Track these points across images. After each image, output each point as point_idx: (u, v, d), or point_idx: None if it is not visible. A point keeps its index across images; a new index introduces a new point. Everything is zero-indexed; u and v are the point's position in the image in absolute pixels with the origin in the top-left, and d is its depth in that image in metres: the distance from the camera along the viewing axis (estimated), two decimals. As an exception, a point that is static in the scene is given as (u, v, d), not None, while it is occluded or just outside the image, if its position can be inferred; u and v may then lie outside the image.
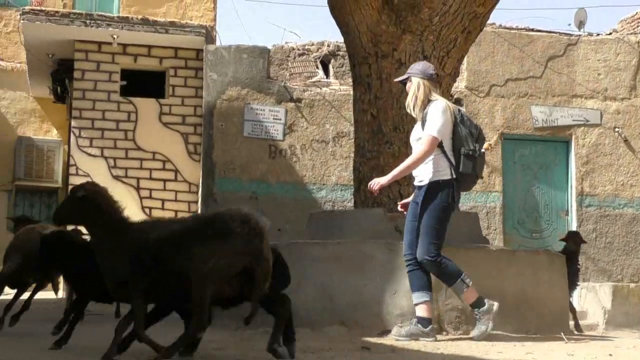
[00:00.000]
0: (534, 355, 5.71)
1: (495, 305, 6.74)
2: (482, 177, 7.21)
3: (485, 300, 6.74)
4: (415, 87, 6.90)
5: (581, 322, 11.06)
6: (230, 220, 4.83)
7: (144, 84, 15.89)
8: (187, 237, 4.86)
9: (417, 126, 6.93)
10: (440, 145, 6.76)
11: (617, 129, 15.26)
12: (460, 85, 14.85)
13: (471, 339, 6.76)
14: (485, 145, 6.87)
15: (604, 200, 15.15)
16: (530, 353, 5.84)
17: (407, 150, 8.31)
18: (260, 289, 4.90)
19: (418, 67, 7.08)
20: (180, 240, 4.87)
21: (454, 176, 6.74)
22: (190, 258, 4.74)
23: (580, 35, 15.87)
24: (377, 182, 6.89)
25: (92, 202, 5.21)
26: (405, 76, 7.09)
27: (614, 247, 15.10)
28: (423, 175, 6.88)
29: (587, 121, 15.27)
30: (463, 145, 6.75)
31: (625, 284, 14.00)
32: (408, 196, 8.29)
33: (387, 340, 6.73)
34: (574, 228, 14.73)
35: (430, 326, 6.71)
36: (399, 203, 7.26)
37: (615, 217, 15.16)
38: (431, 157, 6.78)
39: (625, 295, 13.17)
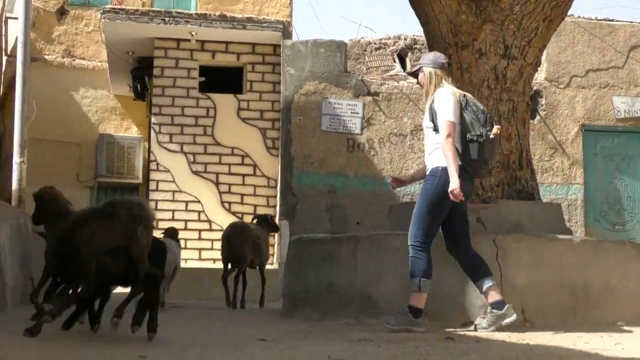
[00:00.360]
0: (623, 346, 5.63)
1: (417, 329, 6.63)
2: (489, 164, 7.08)
3: (419, 320, 6.72)
4: (427, 76, 7.00)
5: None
6: (117, 206, 5.65)
7: (222, 80, 16.04)
8: (83, 219, 5.73)
9: (426, 114, 7.02)
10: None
11: None
12: (539, 76, 14.68)
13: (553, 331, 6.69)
14: (495, 129, 6.79)
15: (689, 192, 14.85)
16: (619, 344, 5.75)
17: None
18: (136, 265, 5.58)
19: (429, 57, 7.18)
20: (79, 222, 5.71)
21: (460, 163, 6.68)
22: (81, 235, 5.54)
23: (663, 24, 15.58)
24: (455, 188, 6.59)
25: (50, 203, 6.46)
26: (417, 67, 7.19)
27: (699, 240, 14.79)
28: (431, 161, 6.94)
29: (673, 112, 15.00)
30: (469, 130, 6.74)
31: None
32: (489, 187, 8.25)
33: (471, 331, 6.70)
34: (659, 221, 14.47)
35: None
36: (391, 176, 7.22)
37: (700, 209, 14.86)
38: (438, 144, 6.78)
39: None
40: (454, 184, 6.57)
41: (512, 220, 7.88)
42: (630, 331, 6.85)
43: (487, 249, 7.25)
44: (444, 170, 6.71)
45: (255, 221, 11.35)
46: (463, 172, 6.68)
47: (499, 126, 6.90)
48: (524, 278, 7.26)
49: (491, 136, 6.76)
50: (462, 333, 6.55)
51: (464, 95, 6.94)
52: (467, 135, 6.75)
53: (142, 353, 4.72)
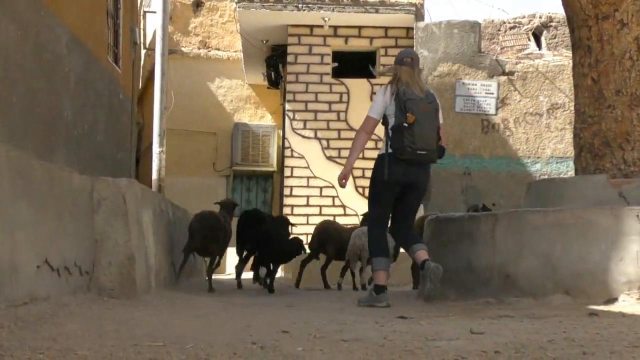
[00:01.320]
0: None
1: (384, 304, 7.34)
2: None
3: (384, 295, 7.42)
4: (394, 73, 7.73)
5: None
6: None
7: (355, 64, 16.07)
8: None
9: None
10: (384, 123, 7.54)
11: None
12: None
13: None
14: (409, 117, 7.37)
15: None
16: None
17: (630, 114, 8.01)
18: None
19: (398, 55, 7.87)
20: None
21: (389, 150, 7.45)
22: None
23: None
24: (341, 176, 7.74)
25: None
26: (388, 67, 8.15)
27: None
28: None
29: None
30: (396, 120, 7.43)
31: None
32: (632, 162, 8.01)
33: (615, 308, 6.51)
34: None
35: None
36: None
37: None
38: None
39: None
40: (344, 171, 7.69)
41: (657, 195, 7.63)
42: None
43: (631, 223, 7.03)
44: (380, 157, 7.59)
45: None
46: (393, 158, 7.45)
47: (410, 114, 7.35)
48: None
49: (404, 124, 7.35)
50: (606, 309, 6.38)
51: (404, 88, 7.50)
52: (391, 125, 7.49)
53: (285, 328, 4.78)
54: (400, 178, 7.50)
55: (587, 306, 6.57)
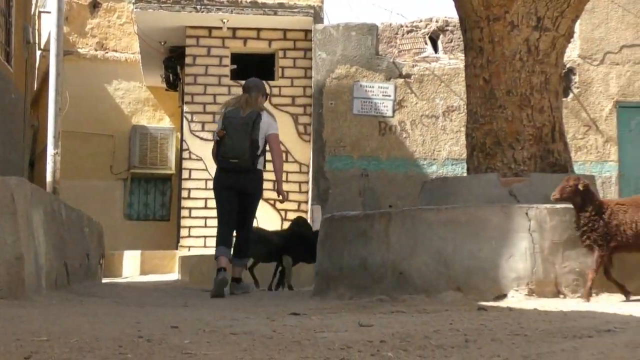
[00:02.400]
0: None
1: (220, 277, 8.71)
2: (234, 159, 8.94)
3: (221, 273, 8.73)
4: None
5: None
6: None
7: (253, 67, 16.04)
8: None
9: None
10: None
11: None
12: (573, 54, 14.53)
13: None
14: (219, 132, 8.95)
15: None
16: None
17: (520, 114, 8.18)
18: None
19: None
20: None
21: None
22: None
23: (698, 0, 15.34)
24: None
25: None
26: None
27: None
28: None
29: None
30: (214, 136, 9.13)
31: None
32: (522, 161, 8.19)
33: (504, 303, 6.64)
34: (695, 198, 14.33)
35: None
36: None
37: None
38: None
39: None
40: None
41: (546, 193, 7.78)
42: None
43: (521, 221, 7.18)
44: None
45: None
46: (218, 167, 9.06)
47: (221, 130, 8.95)
48: (556, 249, 7.18)
49: (217, 138, 8.98)
50: (495, 305, 6.49)
51: (229, 109, 9.07)
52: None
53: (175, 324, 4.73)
54: (223, 182, 8.96)
55: (477, 302, 6.67)
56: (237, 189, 8.95)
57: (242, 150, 8.82)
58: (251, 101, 9.15)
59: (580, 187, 6.80)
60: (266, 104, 15.77)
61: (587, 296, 6.59)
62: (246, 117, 8.93)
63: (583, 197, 6.81)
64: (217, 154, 8.97)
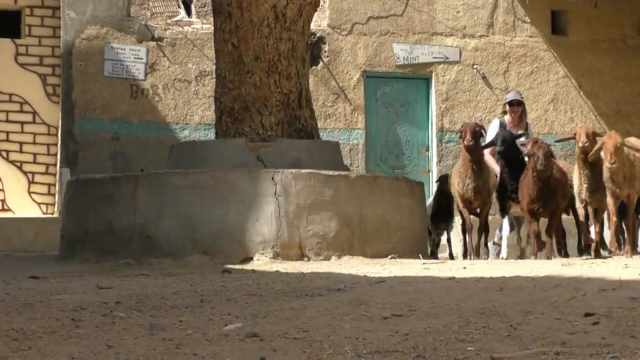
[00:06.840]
0: (391, 271, 5.83)
1: None
2: None
3: None
4: None
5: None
6: None
7: (-1, 23, 15.33)
8: None
9: None
10: None
11: (475, 66, 15.55)
12: (322, 23, 14.87)
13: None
14: None
15: (463, 136, 15.45)
16: (388, 269, 5.97)
17: (268, 80, 8.32)
18: None
19: None
20: None
21: None
22: None
23: (440, -25, 16.07)
24: None
25: None
26: None
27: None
28: None
29: (447, 58, 15.47)
30: None
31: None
32: (269, 126, 8.34)
33: (249, 266, 6.77)
34: (434, 164, 15.11)
35: None
36: None
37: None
38: None
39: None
40: None
41: (292, 158, 8.01)
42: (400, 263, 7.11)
43: (267, 186, 7.34)
44: None
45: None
46: None
47: None
48: (301, 213, 7.39)
49: None
50: (240, 267, 6.61)
51: None
52: None
53: None
54: None
55: (224, 265, 6.78)
56: None
57: None
58: None
59: None
60: (12, 63, 15.27)
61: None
62: None
63: None
64: None
